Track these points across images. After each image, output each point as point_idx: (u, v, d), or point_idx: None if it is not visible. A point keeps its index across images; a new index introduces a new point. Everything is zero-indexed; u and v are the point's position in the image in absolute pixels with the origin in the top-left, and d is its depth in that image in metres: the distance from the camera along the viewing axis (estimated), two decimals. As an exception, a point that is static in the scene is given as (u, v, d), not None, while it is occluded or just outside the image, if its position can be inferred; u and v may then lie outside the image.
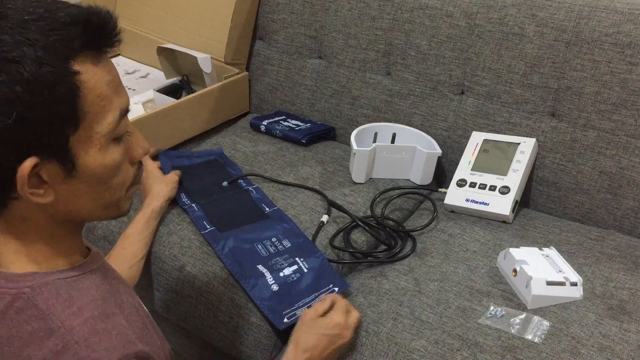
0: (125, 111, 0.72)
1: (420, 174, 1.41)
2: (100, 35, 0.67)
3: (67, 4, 0.66)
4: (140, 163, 0.79)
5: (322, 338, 0.97)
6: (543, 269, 1.09)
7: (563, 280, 1.06)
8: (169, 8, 1.83)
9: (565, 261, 1.12)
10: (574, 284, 1.07)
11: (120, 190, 0.75)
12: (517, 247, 1.15)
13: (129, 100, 0.73)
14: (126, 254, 1.21)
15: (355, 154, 1.35)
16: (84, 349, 0.66)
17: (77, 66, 0.64)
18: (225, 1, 1.67)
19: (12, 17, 0.62)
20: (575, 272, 1.10)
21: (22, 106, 0.62)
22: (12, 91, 0.61)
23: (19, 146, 0.64)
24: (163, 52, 1.72)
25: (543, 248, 1.16)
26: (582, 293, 1.07)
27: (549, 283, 1.06)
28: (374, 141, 1.47)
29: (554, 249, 1.16)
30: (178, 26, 1.81)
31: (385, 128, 1.49)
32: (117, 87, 0.70)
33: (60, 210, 0.71)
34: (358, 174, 1.40)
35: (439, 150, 1.39)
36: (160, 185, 1.33)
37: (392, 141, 1.51)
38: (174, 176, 1.37)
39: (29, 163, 0.64)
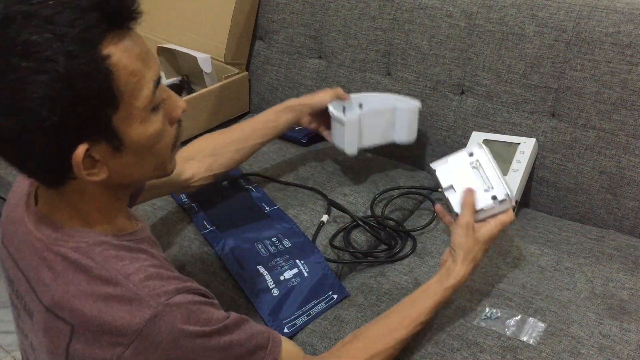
0: (158, 81, 0.74)
1: (405, 131, 1.38)
2: (121, 14, 0.69)
3: None
4: (179, 121, 0.82)
5: (484, 251, 1.00)
6: None
7: (492, 204, 1.01)
8: (169, 8, 1.83)
9: (496, 167, 1.05)
10: (502, 201, 1.01)
11: (165, 153, 0.79)
12: (446, 162, 1.08)
13: (159, 69, 0.75)
14: (241, 135, 1.26)
15: (345, 124, 1.29)
16: (143, 289, 0.72)
17: (105, 50, 0.66)
18: (225, 1, 1.67)
19: (38, 14, 0.64)
20: (505, 183, 1.02)
21: (64, 101, 0.64)
22: (53, 89, 0.63)
23: (68, 137, 0.67)
24: (163, 52, 1.72)
25: (473, 151, 1.07)
26: (514, 204, 1.02)
27: (477, 211, 1.01)
28: (344, 111, 1.37)
29: (484, 148, 1.07)
30: (178, 26, 1.81)
31: (353, 99, 1.39)
32: (147, 58, 0.72)
33: (114, 180, 0.75)
34: (350, 145, 1.33)
35: (417, 104, 1.37)
36: (317, 94, 1.34)
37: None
38: (337, 89, 1.35)
39: (80, 150, 0.68)
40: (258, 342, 0.83)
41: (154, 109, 0.74)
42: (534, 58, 1.32)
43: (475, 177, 1.04)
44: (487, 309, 1.06)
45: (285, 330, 1.09)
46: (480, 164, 1.05)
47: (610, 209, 1.29)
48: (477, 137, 1.38)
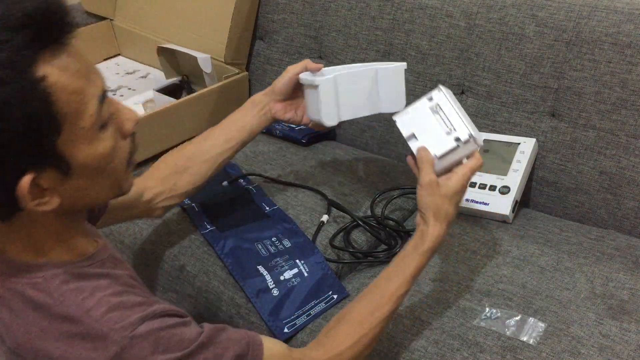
0: (103, 95, 0.69)
1: (392, 98, 1.16)
2: (54, 29, 0.63)
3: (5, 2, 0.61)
4: (133, 134, 0.76)
5: (455, 205, 0.93)
6: (432, 138, 0.97)
7: (454, 146, 0.95)
8: (169, 8, 1.83)
9: (457, 108, 0.98)
10: (466, 142, 0.95)
11: (119, 171, 0.74)
12: (407, 112, 1.02)
13: (103, 82, 0.70)
14: (205, 146, 1.15)
15: (319, 86, 1.10)
16: (105, 324, 0.68)
17: (40, 71, 0.61)
18: (225, 1, 1.67)
19: None
20: (468, 123, 0.96)
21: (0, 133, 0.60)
22: None
23: (10, 169, 0.63)
24: (163, 52, 1.72)
25: (432, 95, 1.00)
26: (481, 143, 0.96)
27: (441, 157, 0.95)
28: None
29: (444, 90, 1.00)
30: (178, 26, 1.81)
31: (328, 70, 1.20)
32: (88, 73, 0.67)
33: (67, 206, 0.71)
34: (328, 113, 1.13)
35: (402, 63, 1.17)
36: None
37: None
38: (304, 61, 1.16)
39: (25, 181, 0.63)
40: (237, 352, 0.78)
41: (102, 126, 0.69)
42: (534, 58, 1.32)
43: (436, 121, 0.98)
44: (487, 309, 1.06)
45: (285, 330, 1.10)
46: (440, 107, 0.99)
47: (610, 209, 1.29)
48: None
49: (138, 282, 0.81)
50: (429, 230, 0.92)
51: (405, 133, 1.00)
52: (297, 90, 1.16)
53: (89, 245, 0.78)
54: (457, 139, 0.95)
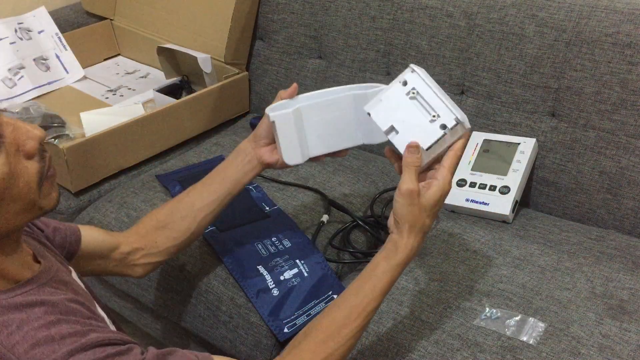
0: None
1: (373, 126, 0.92)
2: None
3: None
4: (44, 151, 0.69)
5: (433, 216, 0.86)
6: (414, 129, 0.87)
7: (442, 134, 0.86)
8: (169, 8, 1.83)
9: (437, 90, 0.88)
10: (454, 128, 0.86)
11: (28, 193, 0.67)
12: (379, 100, 0.89)
13: None
14: (185, 201, 1.06)
15: (273, 122, 0.95)
16: None
17: None
18: (225, 1, 1.67)
19: None
20: (452, 106, 0.87)
21: None
22: None
23: None
24: (163, 52, 1.72)
25: (406, 78, 0.89)
26: (468, 126, 0.87)
27: (428, 149, 0.86)
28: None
29: (417, 71, 0.89)
30: (178, 26, 1.81)
31: (302, 98, 1.01)
32: None
33: None
34: (289, 151, 0.97)
35: (382, 86, 0.96)
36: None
37: None
38: (280, 92, 1.02)
39: None
40: None
41: None
42: (534, 58, 1.32)
43: (416, 109, 0.87)
44: (487, 309, 1.06)
45: (285, 330, 1.10)
46: (417, 92, 0.88)
47: (610, 209, 1.29)
48: (477, 137, 1.38)
49: (84, 304, 0.74)
50: (402, 242, 0.85)
51: (383, 126, 0.88)
52: None
53: (25, 270, 0.73)
54: (444, 126, 0.86)
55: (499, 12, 1.35)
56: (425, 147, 0.85)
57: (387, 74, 1.54)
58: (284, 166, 1.02)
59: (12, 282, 0.70)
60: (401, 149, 0.86)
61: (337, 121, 1.00)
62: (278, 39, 1.71)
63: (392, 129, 0.88)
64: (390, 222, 0.87)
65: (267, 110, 0.98)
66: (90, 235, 0.99)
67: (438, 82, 1.52)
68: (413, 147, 0.85)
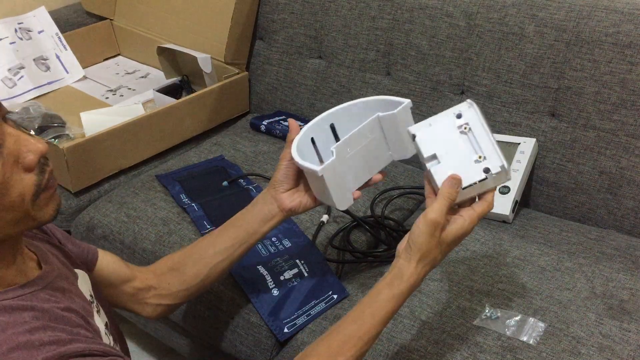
0: None
1: (403, 144, 0.95)
2: None
3: None
4: (46, 165, 0.69)
5: (446, 253, 0.84)
6: (457, 164, 0.84)
7: (484, 177, 0.84)
8: (169, 8, 1.83)
9: (488, 131, 0.86)
10: (497, 174, 0.84)
11: (22, 204, 0.67)
12: (428, 125, 0.87)
13: None
14: (201, 245, 1.02)
15: (322, 176, 0.88)
16: None
17: None
18: (225, 1, 1.67)
19: None
20: (499, 150, 0.85)
21: None
22: None
23: None
24: (163, 52, 1.72)
25: (462, 111, 0.87)
26: (510, 178, 0.86)
27: (466, 187, 0.84)
28: (316, 148, 0.99)
29: (475, 107, 0.87)
30: (178, 26, 1.81)
31: (318, 126, 0.99)
32: None
33: None
34: (339, 196, 0.92)
35: (406, 101, 0.94)
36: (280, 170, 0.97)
37: (335, 135, 1.00)
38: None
39: None
40: None
41: None
42: (534, 58, 1.32)
43: (464, 144, 0.85)
44: (487, 309, 1.06)
45: (285, 330, 1.10)
46: (470, 128, 0.85)
47: (610, 209, 1.29)
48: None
49: (78, 312, 0.74)
50: (409, 270, 0.81)
51: (425, 153, 0.85)
52: (299, 173, 0.97)
53: (22, 276, 0.72)
54: (487, 170, 0.83)
55: (499, 12, 1.35)
56: (462, 186, 0.83)
57: (387, 74, 1.54)
58: (307, 209, 0.98)
59: (6, 286, 0.69)
60: (438, 179, 0.84)
61: (368, 148, 0.96)
62: (278, 39, 1.71)
63: (434, 157, 0.85)
64: (401, 246, 0.83)
65: (299, 162, 0.90)
66: (107, 261, 0.97)
67: (438, 82, 1.52)
68: (456, 180, 0.83)
